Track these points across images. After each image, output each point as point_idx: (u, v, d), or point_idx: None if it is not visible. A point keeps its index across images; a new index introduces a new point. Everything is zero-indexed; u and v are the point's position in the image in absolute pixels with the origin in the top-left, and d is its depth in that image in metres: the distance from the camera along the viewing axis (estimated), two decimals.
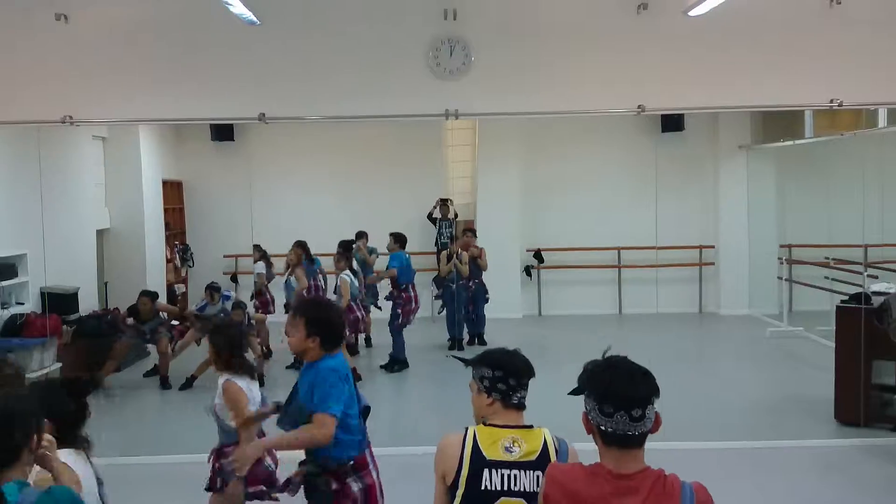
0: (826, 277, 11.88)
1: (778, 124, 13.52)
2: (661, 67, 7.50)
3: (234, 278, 13.95)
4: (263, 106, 7.48)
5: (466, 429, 3.08)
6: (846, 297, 9.15)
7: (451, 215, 14.15)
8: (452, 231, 14.17)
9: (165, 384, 10.30)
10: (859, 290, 9.09)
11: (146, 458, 7.50)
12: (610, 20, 7.51)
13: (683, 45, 7.46)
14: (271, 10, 7.11)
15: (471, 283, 11.82)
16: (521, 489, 2.92)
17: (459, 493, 2.98)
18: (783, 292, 13.39)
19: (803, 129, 12.92)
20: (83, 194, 11.64)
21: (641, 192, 12.68)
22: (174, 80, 7.52)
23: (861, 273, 10.25)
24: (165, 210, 13.67)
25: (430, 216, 14.12)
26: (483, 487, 2.94)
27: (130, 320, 10.49)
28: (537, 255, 14.28)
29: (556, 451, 3.00)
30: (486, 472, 2.95)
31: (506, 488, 2.93)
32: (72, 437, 3.21)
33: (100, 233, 12.25)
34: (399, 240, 11.29)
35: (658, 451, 2.98)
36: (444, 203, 14.10)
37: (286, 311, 11.05)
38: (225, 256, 14.04)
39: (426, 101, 7.56)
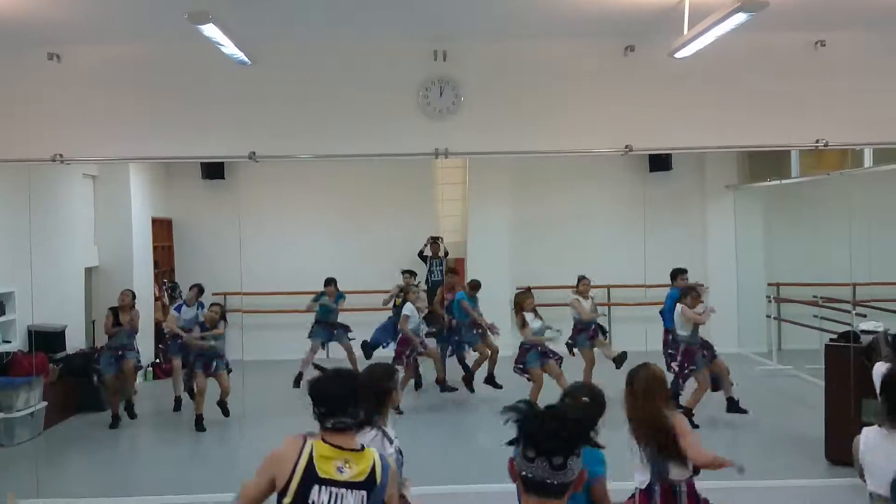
0: (815, 316, 11.91)
1: (764, 164, 13.62)
2: (648, 108, 7.59)
3: (222, 316, 13.86)
4: (254, 144, 7.51)
5: (305, 439, 3.29)
6: (835, 336, 9.17)
7: (441, 253, 14.17)
8: (443, 269, 14.18)
9: (115, 423, 10.05)
10: (848, 328, 9.11)
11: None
12: (597, 61, 7.60)
13: (670, 86, 7.56)
14: (262, 51, 7.17)
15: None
16: None
17: (287, 501, 3.19)
18: (772, 331, 13.41)
19: (790, 169, 13.02)
20: (72, 232, 11.62)
21: (630, 231, 12.71)
22: (165, 118, 7.55)
23: (849, 311, 10.29)
24: (154, 248, 13.63)
25: (420, 254, 14.13)
26: (311, 501, 3.17)
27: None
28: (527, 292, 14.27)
29: (381, 472, 3.26)
30: (315, 487, 3.18)
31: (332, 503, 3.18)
32: None
33: (88, 271, 12.20)
34: None
35: None
36: (434, 241, 14.12)
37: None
38: (214, 294, 13.95)
39: (416, 140, 7.62)
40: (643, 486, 4.68)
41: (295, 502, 3.19)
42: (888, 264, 11.54)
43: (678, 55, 6.75)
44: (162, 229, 14.19)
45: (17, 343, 9.93)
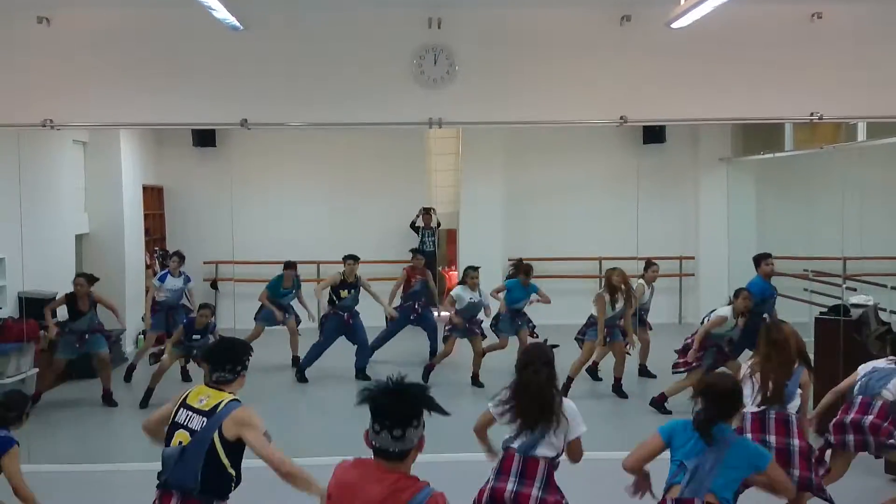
0: (805, 289, 11.95)
1: (758, 137, 13.60)
2: (643, 79, 7.55)
3: (213, 285, 13.86)
4: (246, 112, 7.46)
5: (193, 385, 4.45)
6: (825, 310, 9.22)
7: (433, 224, 14.16)
8: (435, 240, 14.18)
9: (110, 401, 9.65)
10: (838, 302, 9.15)
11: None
12: (593, 31, 7.55)
13: (666, 57, 7.52)
14: (255, 16, 7.09)
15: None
16: (191, 427, 4.16)
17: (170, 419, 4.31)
18: None
19: (783, 142, 13.01)
20: (63, 199, 11.54)
21: (623, 203, 12.73)
22: (156, 84, 7.48)
23: (840, 285, 10.32)
24: (146, 215, 13.56)
25: (412, 225, 14.11)
26: (175, 419, 4.24)
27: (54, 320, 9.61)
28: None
29: (223, 408, 4.15)
30: (181, 410, 4.25)
31: (182, 423, 4.19)
32: None
33: (79, 237, 12.14)
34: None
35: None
36: (426, 212, 14.10)
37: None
38: (205, 263, 13.94)
39: (410, 109, 7.57)
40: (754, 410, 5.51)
41: (172, 420, 4.25)
42: (879, 239, 11.58)
43: (674, 25, 6.72)
44: (153, 197, 14.11)
45: (8, 310, 9.89)
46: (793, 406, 5.52)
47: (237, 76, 7.49)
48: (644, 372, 10.76)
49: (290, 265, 11.36)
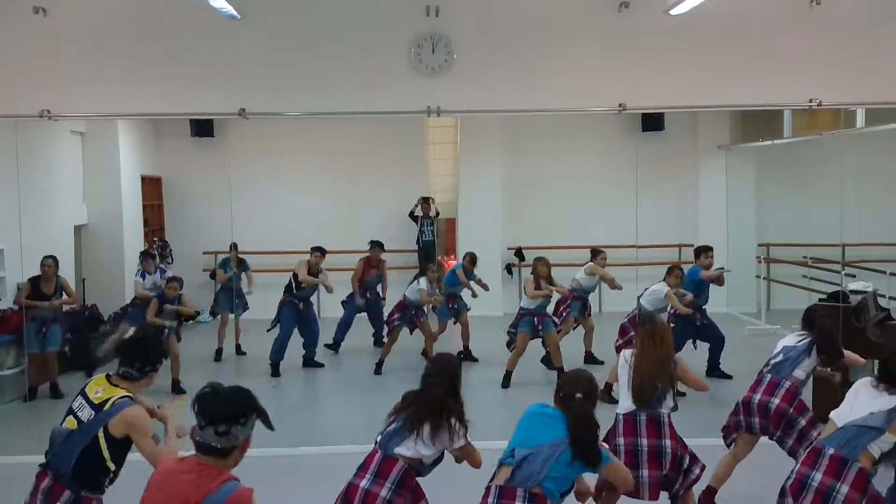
0: (804, 276, 11.98)
1: (757, 124, 13.59)
2: (642, 66, 7.54)
3: (213, 275, 13.85)
4: (243, 101, 7.45)
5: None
6: (824, 296, 9.22)
7: (432, 213, 14.15)
8: (434, 229, 14.17)
9: (31, 396, 9.34)
10: (837, 288, 9.16)
11: None
12: (591, 18, 7.53)
13: (664, 43, 7.50)
14: (252, 5, 7.07)
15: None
16: (80, 417, 4.10)
17: None
18: (761, 291, 13.47)
19: (782, 129, 13.01)
20: (61, 190, 11.52)
21: (622, 191, 12.71)
22: (153, 74, 7.47)
23: (839, 272, 10.34)
24: (144, 206, 13.56)
25: (411, 214, 14.11)
26: (71, 404, 4.22)
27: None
28: (518, 252, 14.30)
29: (110, 406, 4.06)
30: (78, 396, 4.21)
31: (74, 410, 4.16)
32: None
33: (78, 228, 12.13)
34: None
35: None
36: (425, 201, 14.10)
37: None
38: (204, 253, 13.94)
39: (408, 98, 7.56)
40: (626, 412, 5.42)
41: (70, 403, 4.24)
42: (877, 225, 11.60)
43: (673, 12, 6.70)
44: (152, 187, 14.10)
45: (7, 301, 9.88)
46: (666, 405, 5.45)
47: (234, 66, 7.47)
48: (590, 359, 10.67)
49: (232, 247, 11.40)
